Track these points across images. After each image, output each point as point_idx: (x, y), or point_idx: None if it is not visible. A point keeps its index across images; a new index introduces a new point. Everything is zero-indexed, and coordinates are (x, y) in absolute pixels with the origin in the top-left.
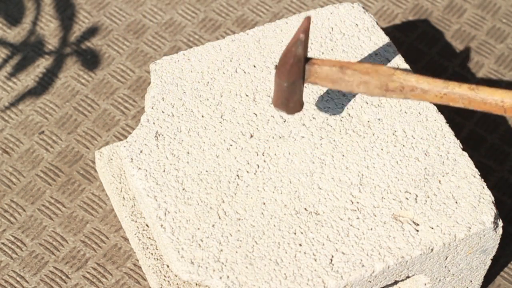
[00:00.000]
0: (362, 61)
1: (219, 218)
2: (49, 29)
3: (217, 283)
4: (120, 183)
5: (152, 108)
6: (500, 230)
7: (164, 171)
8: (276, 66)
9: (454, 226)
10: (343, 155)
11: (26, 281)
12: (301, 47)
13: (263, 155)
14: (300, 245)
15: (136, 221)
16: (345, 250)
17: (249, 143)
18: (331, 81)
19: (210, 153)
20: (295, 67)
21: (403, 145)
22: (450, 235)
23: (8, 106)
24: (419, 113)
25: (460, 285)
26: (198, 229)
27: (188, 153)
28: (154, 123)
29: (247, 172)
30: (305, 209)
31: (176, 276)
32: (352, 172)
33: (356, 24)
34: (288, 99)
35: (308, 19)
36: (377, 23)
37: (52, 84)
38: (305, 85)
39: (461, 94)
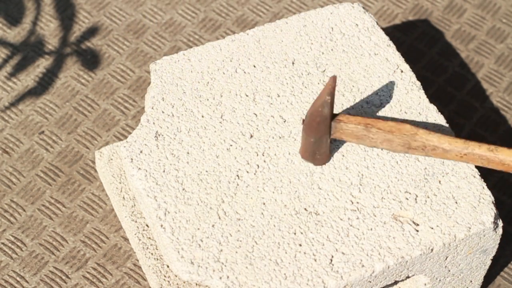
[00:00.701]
0: (363, 60)
1: (219, 218)
2: (49, 29)
3: (217, 283)
4: (120, 183)
5: (152, 108)
6: (500, 230)
7: (164, 171)
8: (303, 121)
9: (454, 226)
10: (343, 155)
11: (26, 281)
12: (327, 108)
13: (263, 155)
14: (300, 245)
15: (136, 221)
16: (345, 250)
17: (249, 143)
18: (356, 138)
19: (210, 153)
20: (321, 125)
21: None
22: (450, 235)
23: (8, 106)
24: (419, 113)
25: (460, 285)
26: (198, 229)
27: (188, 153)
28: (154, 123)
29: (247, 172)
30: (305, 209)
31: (176, 276)
32: (352, 172)
33: (356, 24)
34: (315, 152)
35: (334, 79)
36: (377, 23)
37: (52, 84)
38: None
39: (481, 154)
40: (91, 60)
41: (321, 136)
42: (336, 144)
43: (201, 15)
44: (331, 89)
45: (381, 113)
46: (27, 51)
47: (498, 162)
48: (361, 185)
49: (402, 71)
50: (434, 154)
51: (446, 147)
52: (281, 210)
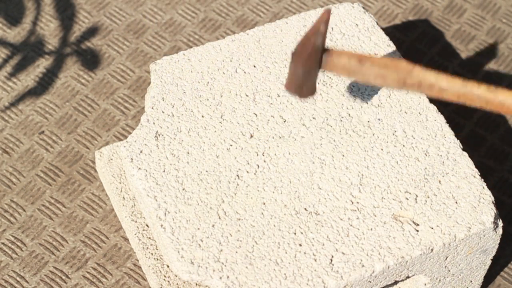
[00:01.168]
0: None
1: (219, 218)
2: (49, 29)
3: (217, 283)
4: (120, 183)
5: (152, 108)
6: (500, 230)
7: (164, 171)
8: (292, 52)
9: (454, 226)
10: (343, 155)
11: (26, 281)
12: (320, 38)
13: (263, 155)
14: (300, 245)
15: (136, 221)
16: (345, 250)
17: (249, 143)
18: (347, 72)
19: (210, 153)
20: (312, 57)
21: (403, 145)
22: (450, 235)
23: (8, 106)
24: (419, 113)
25: (460, 285)
26: (198, 229)
27: (188, 153)
28: (154, 123)
29: (247, 172)
30: (305, 209)
31: (176, 276)
32: (352, 172)
33: (356, 24)
34: (302, 85)
35: (328, 12)
36: (377, 23)
37: (52, 84)
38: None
39: (479, 94)
40: (91, 60)
41: (311, 68)
42: (335, 144)
43: (201, 15)
44: (325, 20)
45: (381, 113)
46: (27, 51)
47: (497, 104)
48: (361, 185)
49: None
50: (430, 92)
51: (443, 85)
52: (281, 210)
